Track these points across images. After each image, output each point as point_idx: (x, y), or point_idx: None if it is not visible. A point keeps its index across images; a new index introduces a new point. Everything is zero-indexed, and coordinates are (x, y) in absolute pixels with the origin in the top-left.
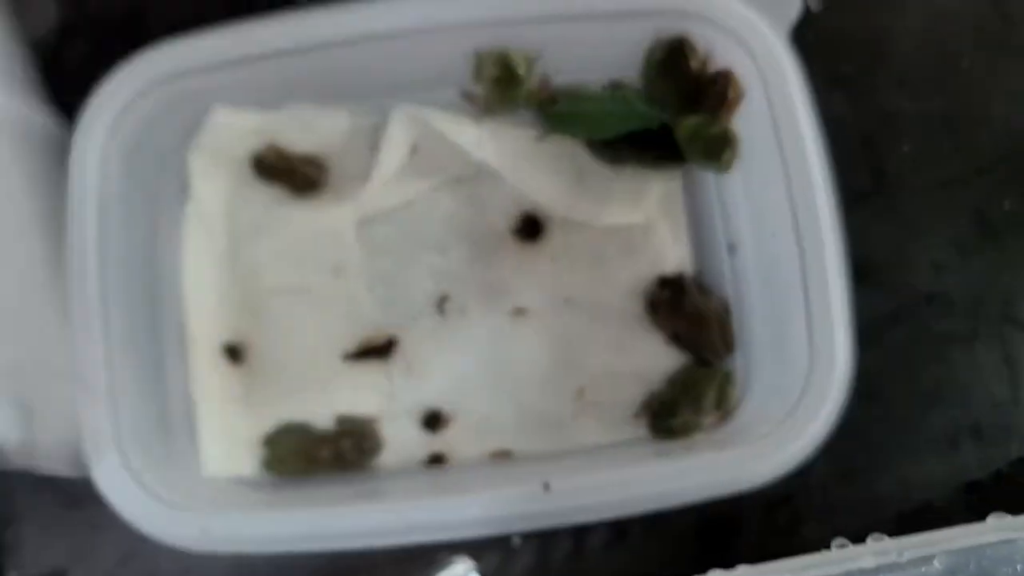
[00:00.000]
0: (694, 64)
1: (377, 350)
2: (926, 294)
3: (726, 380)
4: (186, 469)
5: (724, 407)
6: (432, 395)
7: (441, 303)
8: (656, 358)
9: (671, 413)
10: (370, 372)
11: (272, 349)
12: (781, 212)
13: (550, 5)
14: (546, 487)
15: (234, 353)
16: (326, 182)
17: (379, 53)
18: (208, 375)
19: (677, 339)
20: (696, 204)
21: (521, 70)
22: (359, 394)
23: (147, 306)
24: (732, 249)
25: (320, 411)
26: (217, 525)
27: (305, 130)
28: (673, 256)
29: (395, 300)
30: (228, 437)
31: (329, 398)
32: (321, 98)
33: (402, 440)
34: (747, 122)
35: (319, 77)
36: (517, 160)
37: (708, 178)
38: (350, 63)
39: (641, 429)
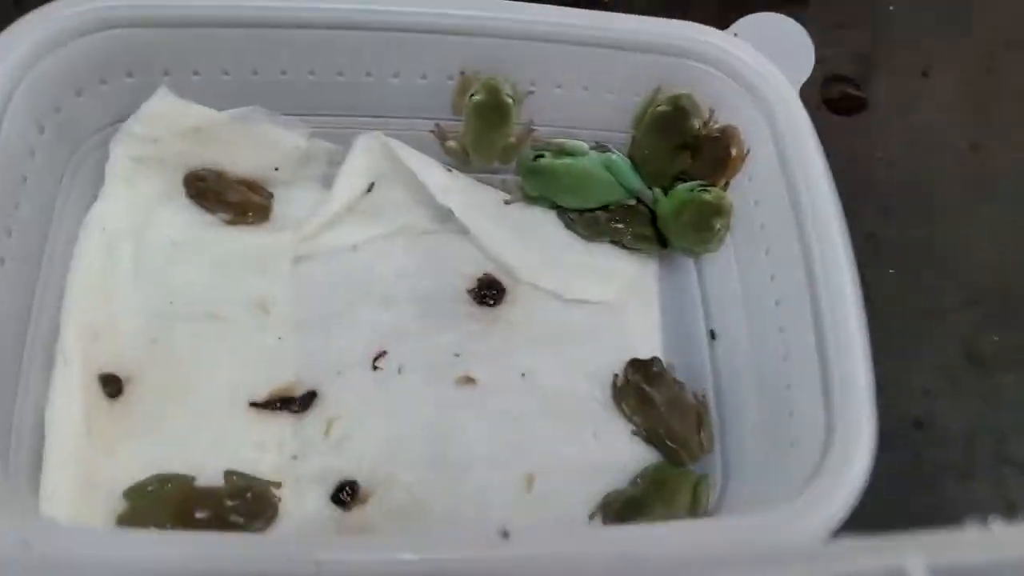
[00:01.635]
0: (695, 121)
1: (292, 401)
2: (914, 420)
3: (702, 483)
4: (18, 502)
5: (698, 512)
6: (350, 463)
7: (376, 359)
8: (620, 452)
9: (635, 514)
10: (279, 425)
11: (164, 385)
12: (796, 293)
13: (551, 24)
14: None
15: (113, 384)
16: (267, 208)
17: (357, 59)
18: (73, 404)
19: (647, 432)
20: (673, 286)
21: (508, 99)
22: (261, 450)
23: (19, 312)
24: (714, 336)
25: (208, 462)
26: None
27: (254, 143)
28: (645, 340)
29: (323, 349)
30: (80, 478)
31: (223, 449)
32: (280, 107)
33: (305, 512)
34: (753, 187)
35: (282, 82)
36: (485, 216)
37: (688, 260)
38: (322, 62)
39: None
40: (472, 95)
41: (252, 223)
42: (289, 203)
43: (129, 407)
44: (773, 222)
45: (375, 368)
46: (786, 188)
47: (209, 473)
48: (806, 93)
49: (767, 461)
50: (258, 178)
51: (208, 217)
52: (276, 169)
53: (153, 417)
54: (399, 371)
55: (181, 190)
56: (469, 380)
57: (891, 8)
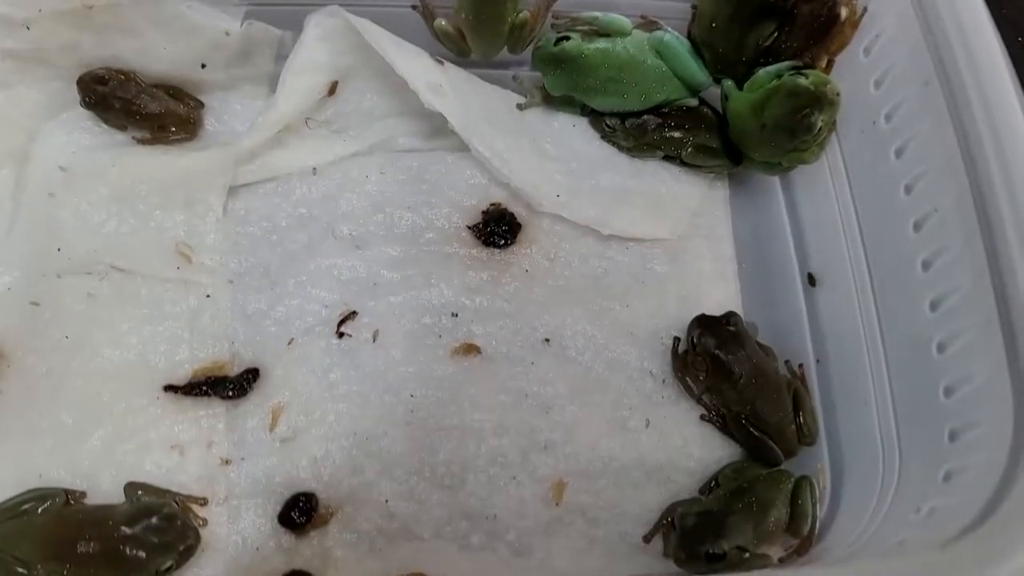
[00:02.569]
0: None
1: (225, 383)
2: None
3: (803, 489)
4: None
5: (801, 529)
6: (305, 469)
7: (342, 323)
8: (686, 446)
9: (711, 536)
10: (206, 416)
11: (46, 364)
12: (950, 208)
13: None
14: None
15: None
16: (193, 120)
17: None
18: None
19: (723, 418)
20: (753, 215)
21: None
22: (180, 452)
23: None
24: (814, 282)
25: (104, 471)
26: None
27: (168, 29)
28: (715, 290)
29: (269, 309)
30: None
31: (125, 452)
32: None
33: (241, 539)
34: (872, 62)
35: None
36: (491, 125)
37: (772, 180)
38: None
39: (656, 560)
40: None
41: (173, 141)
42: (224, 114)
43: None
44: (907, 109)
45: (340, 335)
46: (930, 55)
47: (106, 487)
48: None
49: (904, 459)
50: (181, 79)
51: (113, 135)
52: (203, 67)
53: (31, 409)
54: (374, 338)
55: (75, 97)
56: (471, 349)
57: None
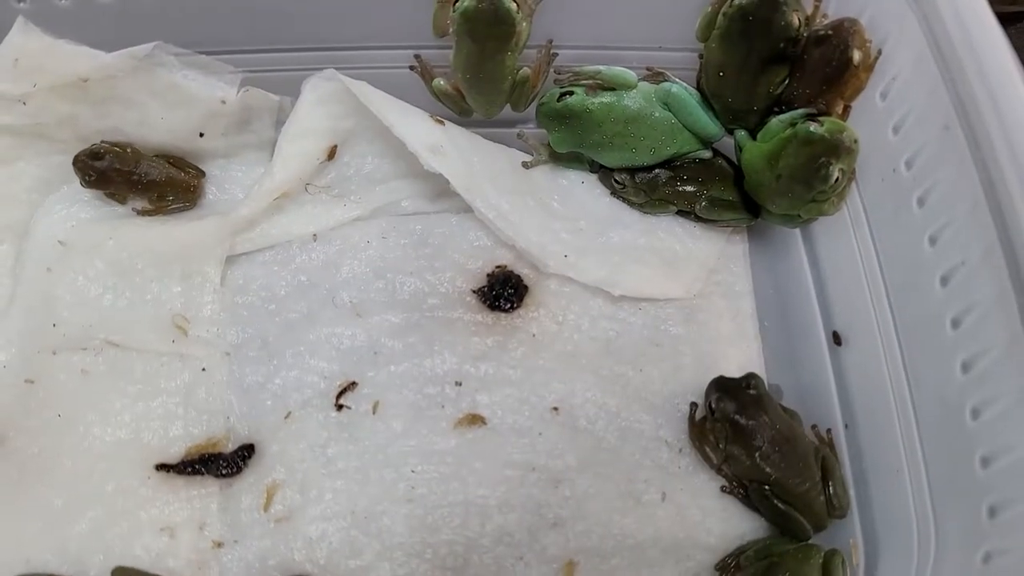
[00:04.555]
0: (793, 16)
1: (219, 460)
2: None
3: (835, 564)
4: None
5: None
6: (301, 551)
7: (342, 394)
8: (706, 520)
9: None
10: (199, 496)
11: (38, 443)
12: (977, 262)
13: None
14: None
15: None
16: (195, 189)
17: None
18: None
19: (745, 489)
20: (773, 271)
21: (511, 6)
22: (171, 534)
23: None
24: (839, 342)
25: (93, 556)
26: None
27: (164, 99)
28: (735, 352)
29: (266, 382)
30: None
31: (116, 535)
32: (195, 41)
33: None
34: (889, 107)
35: (197, 5)
36: (495, 185)
37: (792, 233)
38: None
39: None
40: (458, 3)
41: (173, 210)
42: (225, 183)
43: None
44: (928, 155)
45: (339, 407)
46: (950, 98)
47: (95, 573)
48: None
49: (940, 536)
50: (180, 149)
51: (113, 208)
52: (201, 135)
53: (19, 490)
54: (373, 410)
55: (68, 170)
56: (475, 420)
57: None
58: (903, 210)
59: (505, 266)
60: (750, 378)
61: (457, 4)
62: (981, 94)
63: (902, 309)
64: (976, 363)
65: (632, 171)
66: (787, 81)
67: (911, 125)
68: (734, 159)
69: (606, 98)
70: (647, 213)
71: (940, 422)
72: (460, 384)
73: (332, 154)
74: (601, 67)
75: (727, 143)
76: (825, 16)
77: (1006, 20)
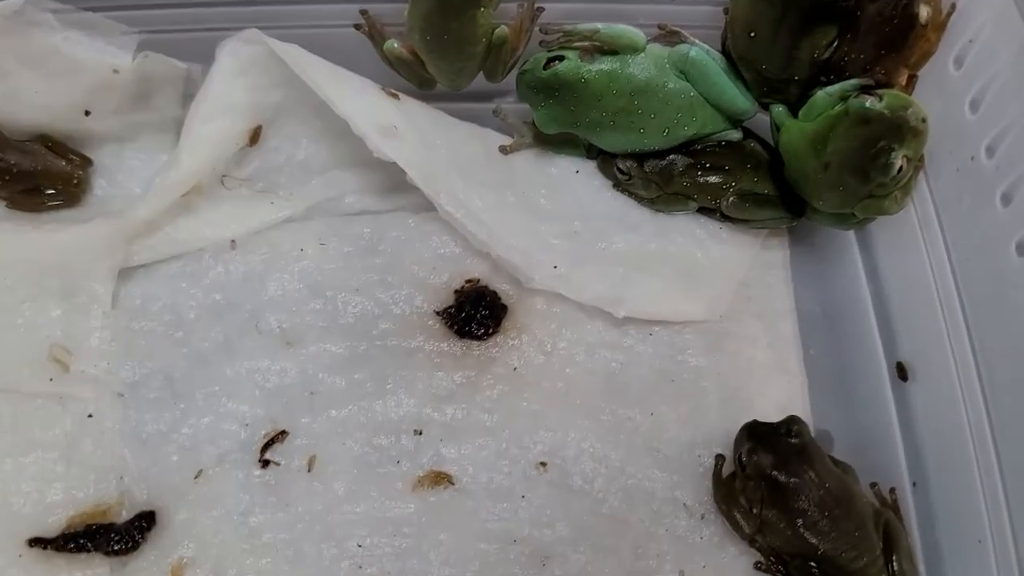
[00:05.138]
0: None
1: (111, 532)
2: None
3: None
4: None
5: None
6: None
7: (268, 446)
8: None
9: None
10: None
11: None
12: None
13: None
14: None
15: None
16: (79, 182)
17: None
18: None
19: (784, 564)
20: (821, 286)
21: None
22: None
23: None
24: (905, 376)
25: None
26: None
27: (44, 67)
28: (772, 390)
29: (170, 431)
30: None
31: None
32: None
33: None
34: (966, 78)
35: None
36: (466, 177)
37: (846, 236)
38: None
39: None
40: None
41: (50, 208)
42: (118, 174)
43: None
44: (1015, 138)
45: (265, 463)
46: None
47: None
48: None
49: None
50: (62, 132)
51: None
52: (87, 114)
53: None
54: (309, 467)
55: None
56: (440, 479)
57: None
58: (984, 208)
59: (478, 280)
60: (791, 423)
61: None
62: None
63: (984, 336)
64: None
65: (640, 157)
66: (836, 43)
67: (993, 101)
68: (770, 141)
69: (606, 64)
70: (660, 211)
71: None
72: (420, 433)
73: (255, 137)
74: (599, 25)
75: (762, 121)
76: None
77: None
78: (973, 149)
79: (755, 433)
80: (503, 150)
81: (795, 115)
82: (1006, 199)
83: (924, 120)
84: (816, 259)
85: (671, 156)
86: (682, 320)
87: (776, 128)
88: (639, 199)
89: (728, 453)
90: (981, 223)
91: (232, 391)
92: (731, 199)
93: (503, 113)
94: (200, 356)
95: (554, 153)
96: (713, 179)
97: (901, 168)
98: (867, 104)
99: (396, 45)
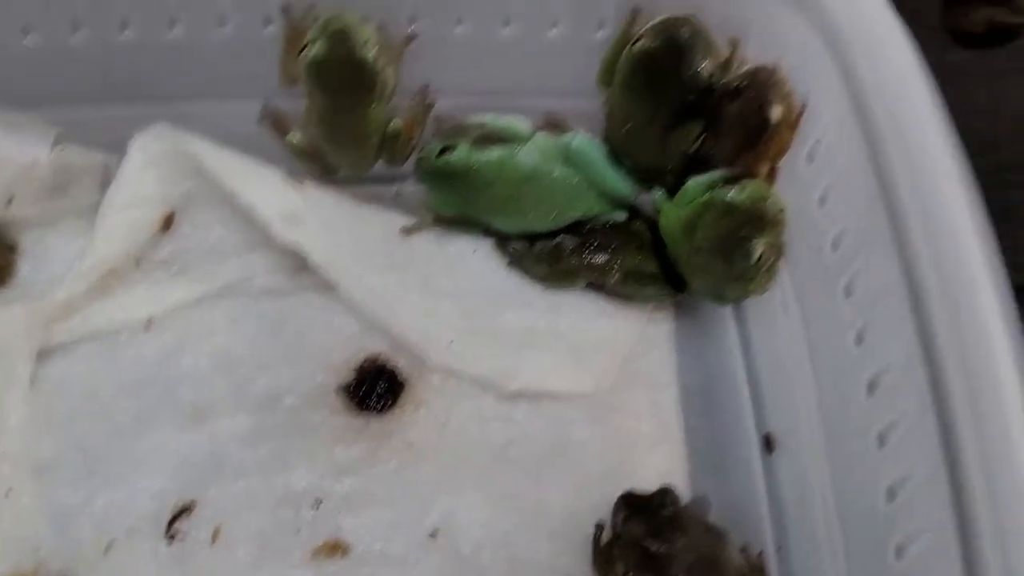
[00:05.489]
0: (704, 64)
1: None
2: None
3: None
4: None
5: None
6: None
7: (175, 519)
8: None
9: None
10: None
11: None
12: (903, 366)
13: None
14: None
15: None
16: (5, 267)
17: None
18: None
19: None
20: (698, 360)
21: (368, 52)
22: None
23: None
24: (771, 447)
25: None
26: None
27: None
28: (655, 457)
29: (84, 505)
30: None
31: None
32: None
33: None
34: (816, 171)
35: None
36: (366, 260)
37: (721, 313)
38: (59, 10)
39: None
40: (306, 48)
41: None
42: (42, 258)
43: None
44: (853, 235)
45: (171, 537)
46: (872, 170)
47: None
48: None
49: None
50: None
51: None
52: (10, 202)
53: None
54: (213, 538)
55: None
56: (336, 548)
57: None
58: (830, 299)
59: (378, 357)
60: (664, 494)
61: (304, 51)
62: (902, 171)
63: (831, 417)
64: (899, 491)
65: (531, 238)
66: (704, 138)
67: (836, 198)
68: (653, 222)
69: (495, 154)
70: (551, 288)
71: (867, 557)
72: (320, 504)
73: (168, 223)
74: (488, 117)
75: (649, 200)
76: (743, 62)
77: (1002, 35)
78: (821, 241)
79: (630, 503)
80: (404, 231)
81: (672, 197)
82: (847, 292)
83: (782, 211)
84: (698, 333)
85: (560, 236)
86: (570, 394)
87: (657, 211)
88: (532, 277)
89: (608, 521)
90: (829, 311)
91: (145, 465)
92: (617, 277)
93: (404, 196)
94: (115, 431)
95: (453, 233)
96: (600, 258)
97: (762, 255)
98: (729, 196)
99: (297, 138)
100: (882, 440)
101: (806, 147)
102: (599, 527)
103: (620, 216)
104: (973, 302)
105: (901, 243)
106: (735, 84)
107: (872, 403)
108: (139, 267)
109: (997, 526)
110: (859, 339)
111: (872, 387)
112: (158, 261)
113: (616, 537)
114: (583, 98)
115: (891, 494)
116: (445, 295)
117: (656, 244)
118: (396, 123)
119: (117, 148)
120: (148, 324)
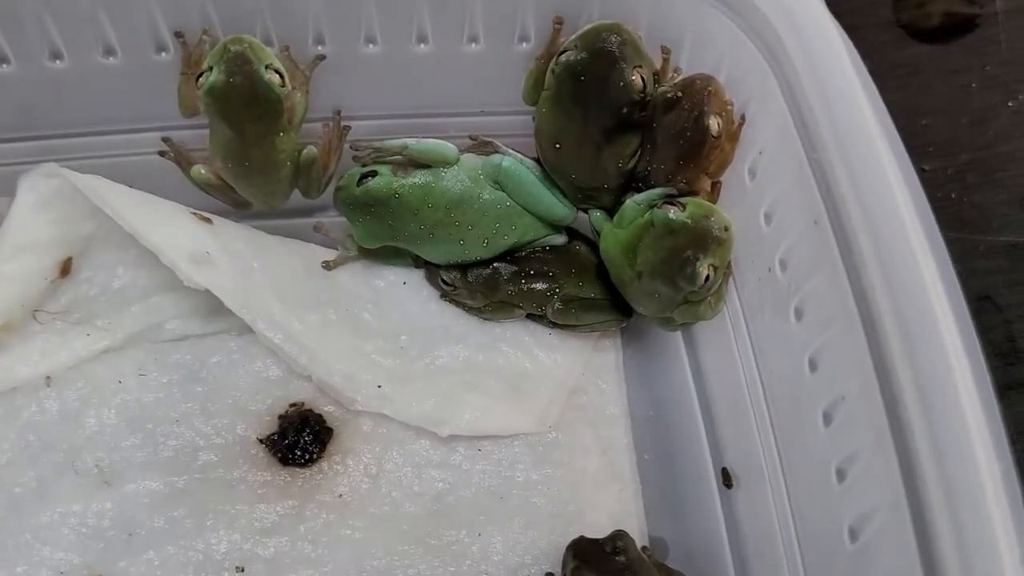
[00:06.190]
0: (636, 74)
1: None
2: None
3: None
4: None
5: None
6: None
7: None
8: None
9: None
10: None
11: None
12: (855, 392)
13: None
14: None
15: None
16: None
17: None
18: None
19: None
20: (650, 393)
21: (270, 76)
22: None
23: None
24: (729, 483)
25: None
26: None
27: None
28: (605, 498)
29: None
30: None
31: None
32: None
33: None
34: (761, 187)
35: None
36: (284, 299)
37: (673, 340)
38: None
39: None
40: (203, 75)
41: None
42: None
43: None
44: (800, 254)
45: None
46: (816, 183)
47: None
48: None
49: None
50: None
51: None
52: None
53: None
54: None
55: None
56: None
57: None
58: (781, 320)
59: (302, 404)
60: (616, 539)
61: (201, 79)
62: (846, 185)
63: (788, 448)
64: (862, 531)
65: (464, 267)
66: (639, 153)
67: (782, 215)
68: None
69: (420, 178)
70: (488, 320)
71: None
72: (242, 571)
73: (66, 269)
74: (409, 141)
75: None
76: (678, 71)
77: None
78: (769, 261)
79: (580, 551)
80: (326, 265)
81: (611, 217)
82: (798, 313)
83: (727, 228)
84: (648, 359)
85: (495, 264)
86: (511, 434)
87: (595, 233)
88: (467, 309)
89: (558, 570)
90: (780, 334)
91: (47, 537)
92: (556, 305)
93: (324, 228)
94: (13, 503)
95: (381, 265)
96: (538, 286)
97: (708, 277)
98: (670, 215)
99: (203, 171)
100: (841, 475)
101: (748, 160)
102: None
103: (558, 240)
104: (928, 324)
105: (850, 262)
106: (670, 95)
107: (830, 435)
108: (36, 318)
109: (964, 564)
110: (813, 365)
111: (828, 418)
112: (57, 311)
113: None
114: (510, 116)
115: (853, 535)
116: (372, 334)
117: (599, 267)
118: (310, 151)
119: (7, 191)
120: (48, 381)
